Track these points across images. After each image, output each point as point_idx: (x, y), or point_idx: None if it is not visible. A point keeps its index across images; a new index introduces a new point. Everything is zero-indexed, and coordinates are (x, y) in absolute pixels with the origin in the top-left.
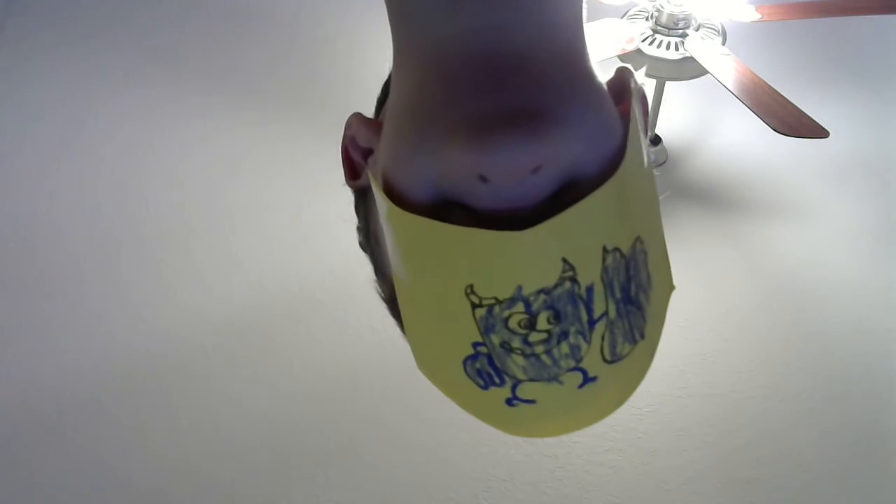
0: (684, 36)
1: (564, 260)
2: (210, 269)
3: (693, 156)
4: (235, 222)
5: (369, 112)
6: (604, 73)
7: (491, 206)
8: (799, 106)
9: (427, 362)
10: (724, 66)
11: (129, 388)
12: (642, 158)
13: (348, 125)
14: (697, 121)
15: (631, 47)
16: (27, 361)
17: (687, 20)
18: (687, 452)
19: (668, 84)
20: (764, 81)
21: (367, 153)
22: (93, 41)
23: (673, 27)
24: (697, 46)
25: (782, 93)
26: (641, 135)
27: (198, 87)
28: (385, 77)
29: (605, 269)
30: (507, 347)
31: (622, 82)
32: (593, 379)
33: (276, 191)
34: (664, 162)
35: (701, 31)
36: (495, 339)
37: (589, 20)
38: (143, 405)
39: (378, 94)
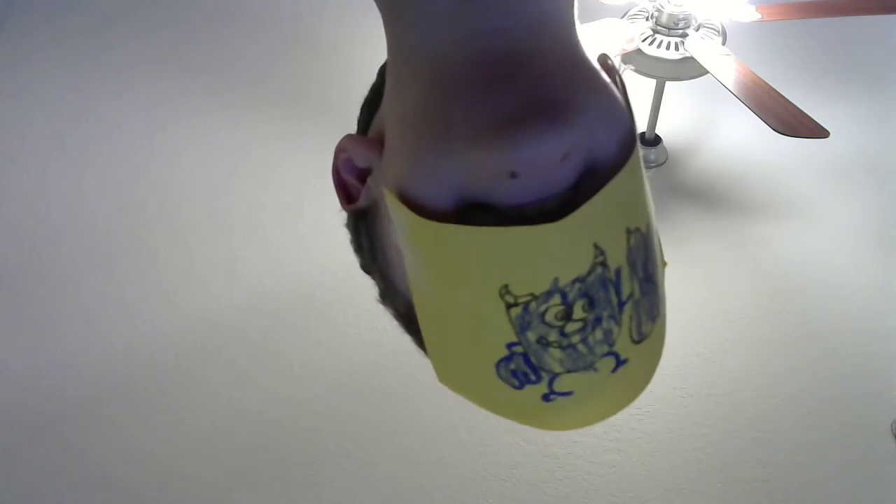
0: (684, 36)
1: (595, 245)
2: (209, 269)
3: (693, 156)
4: (235, 222)
5: (353, 127)
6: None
7: (518, 202)
8: (799, 106)
9: (452, 374)
10: (724, 66)
11: (128, 388)
12: None
13: (341, 149)
14: (697, 121)
15: (631, 47)
16: (27, 361)
17: (687, 20)
18: (687, 452)
19: (668, 84)
20: (764, 81)
21: (365, 173)
22: (93, 40)
23: (673, 27)
24: (697, 46)
25: (782, 93)
26: None
27: (198, 85)
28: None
29: (629, 250)
30: (543, 342)
31: (609, 69)
32: (625, 361)
33: (276, 191)
34: (664, 162)
35: (701, 31)
36: (531, 336)
37: (589, 20)
38: (142, 405)
39: (360, 107)
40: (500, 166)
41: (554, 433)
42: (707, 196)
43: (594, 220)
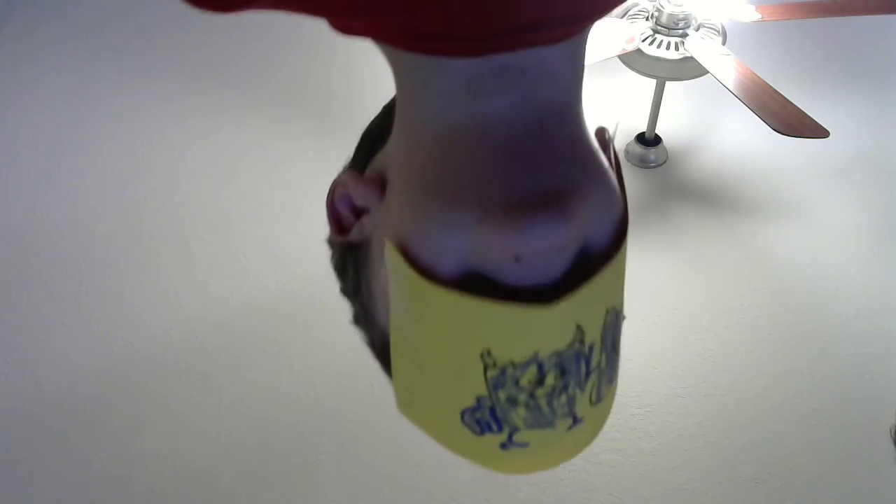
0: (684, 36)
1: (578, 326)
2: (210, 269)
3: (693, 156)
4: (235, 222)
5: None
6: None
7: (518, 283)
8: (799, 106)
9: (415, 409)
10: (724, 66)
11: (128, 389)
12: None
13: (341, 183)
14: (697, 121)
15: (631, 47)
16: (27, 362)
17: (687, 20)
18: (687, 452)
19: (668, 84)
20: (764, 81)
21: (361, 211)
22: (93, 40)
23: (673, 27)
24: (697, 46)
25: (782, 93)
26: None
27: (198, 86)
28: (369, 97)
29: (604, 327)
30: (512, 401)
31: (605, 144)
32: (580, 420)
33: (276, 191)
34: (664, 162)
35: (701, 31)
36: (502, 395)
37: None
38: (142, 405)
39: (361, 135)
40: (506, 250)
41: None
42: (707, 196)
43: (580, 304)
